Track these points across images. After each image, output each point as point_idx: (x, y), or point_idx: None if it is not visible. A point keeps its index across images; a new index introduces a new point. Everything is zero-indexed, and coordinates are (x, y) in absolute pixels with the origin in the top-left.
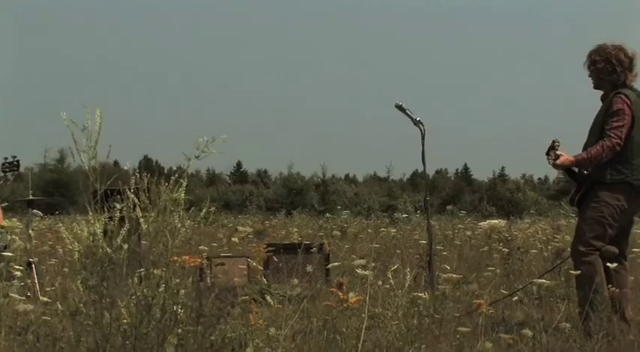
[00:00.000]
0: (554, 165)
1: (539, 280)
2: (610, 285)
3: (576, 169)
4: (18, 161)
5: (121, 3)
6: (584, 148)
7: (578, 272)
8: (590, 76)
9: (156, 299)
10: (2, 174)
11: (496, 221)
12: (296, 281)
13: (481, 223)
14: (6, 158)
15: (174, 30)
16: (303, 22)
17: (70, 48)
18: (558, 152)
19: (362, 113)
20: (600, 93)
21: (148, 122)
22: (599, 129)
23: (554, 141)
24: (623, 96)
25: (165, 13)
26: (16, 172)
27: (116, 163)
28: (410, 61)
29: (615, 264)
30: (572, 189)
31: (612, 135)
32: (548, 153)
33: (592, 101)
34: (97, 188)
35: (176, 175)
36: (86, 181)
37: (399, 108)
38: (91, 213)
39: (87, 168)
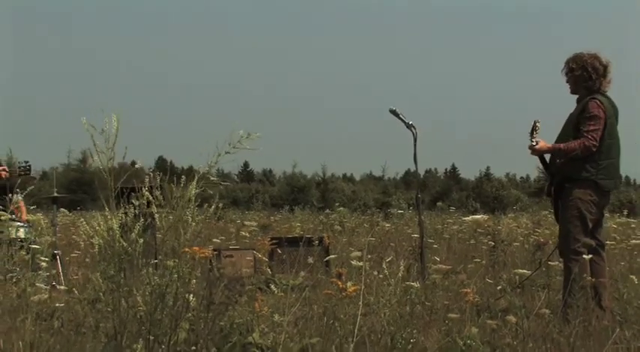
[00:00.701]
0: (533, 150)
1: (520, 270)
2: (585, 275)
3: (548, 161)
4: (30, 166)
5: (135, 6)
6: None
7: (578, 265)
8: (567, 82)
9: (169, 288)
10: (15, 174)
11: (479, 216)
12: (302, 274)
13: (465, 218)
14: (20, 163)
15: (184, 35)
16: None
17: (93, 51)
18: (538, 139)
19: (360, 117)
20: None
21: (162, 124)
22: (572, 129)
23: (535, 122)
24: (598, 102)
25: (170, 15)
26: (29, 174)
27: (133, 163)
28: (404, 66)
29: (592, 256)
30: (547, 183)
31: (590, 137)
32: (531, 134)
33: (572, 104)
34: (113, 186)
35: (204, 172)
36: (103, 180)
37: (393, 113)
38: (108, 210)
39: (104, 168)
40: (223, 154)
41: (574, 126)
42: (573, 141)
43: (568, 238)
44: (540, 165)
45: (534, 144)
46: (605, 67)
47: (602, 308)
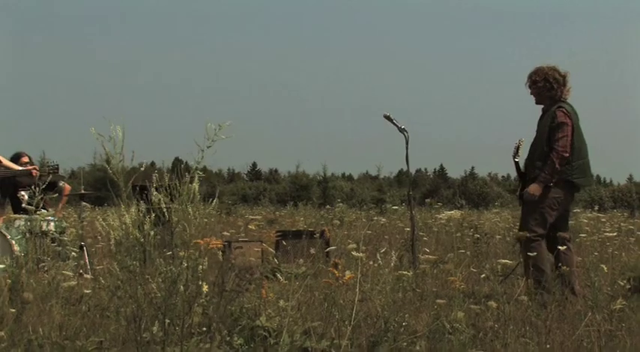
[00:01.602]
0: (531, 195)
1: (503, 260)
2: (560, 264)
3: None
4: (57, 166)
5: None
6: (532, 152)
7: (534, 254)
8: (532, 94)
9: (180, 276)
10: (45, 173)
11: (453, 212)
12: (301, 261)
13: (440, 215)
14: (49, 163)
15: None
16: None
17: (115, 60)
18: (532, 188)
19: (357, 121)
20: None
21: (177, 126)
22: (545, 138)
23: (519, 141)
24: (564, 110)
25: (173, 16)
26: (57, 173)
27: (153, 163)
28: (399, 71)
29: (564, 247)
30: (519, 186)
31: (560, 148)
32: (516, 152)
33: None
34: (124, 186)
35: (194, 169)
36: (118, 180)
37: (387, 118)
38: (123, 207)
39: (116, 170)
40: (206, 149)
41: (546, 136)
42: (549, 162)
43: (526, 228)
44: (516, 174)
45: (517, 160)
46: (564, 77)
47: (575, 294)
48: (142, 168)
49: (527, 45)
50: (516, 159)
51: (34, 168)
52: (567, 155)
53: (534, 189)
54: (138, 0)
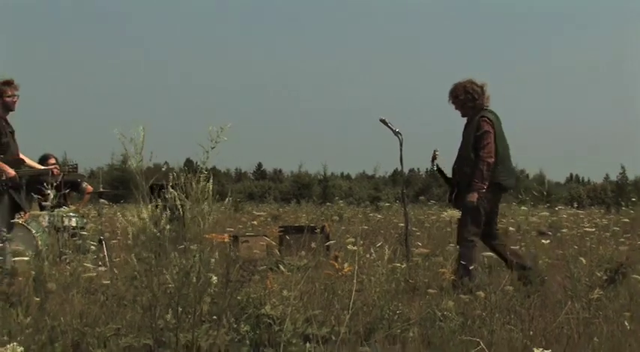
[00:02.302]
0: (474, 201)
1: (488, 253)
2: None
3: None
4: (76, 165)
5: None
6: (459, 158)
7: (468, 252)
8: (456, 109)
9: (193, 268)
10: (65, 172)
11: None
12: (303, 254)
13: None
14: (68, 163)
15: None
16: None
17: (136, 67)
18: (470, 197)
19: (355, 124)
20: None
21: (186, 128)
22: (471, 145)
23: (434, 151)
24: (486, 119)
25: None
26: (76, 172)
27: (166, 163)
28: (396, 74)
29: (496, 241)
30: (448, 191)
31: (485, 155)
32: (432, 161)
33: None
34: (144, 184)
35: (202, 168)
36: (136, 179)
37: (383, 122)
38: (142, 204)
39: (136, 169)
40: (210, 151)
41: (472, 144)
42: (478, 171)
43: (464, 228)
44: (442, 179)
45: (435, 168)
46: (482, 87)
47: (529, 268)
48: (164, 169)
49: (519, 46)
50: (434, 168)
51: (55, 168)
52: (492, 160)
53: (472, 197)
54: (137, 2)
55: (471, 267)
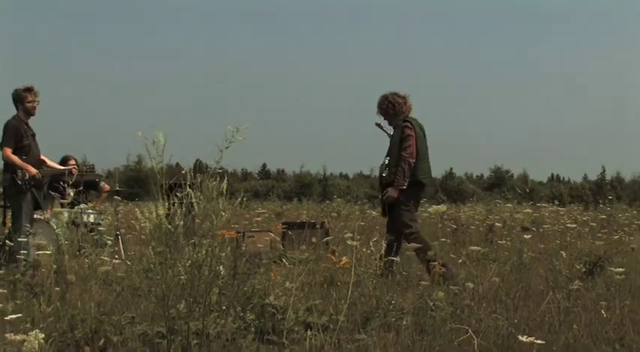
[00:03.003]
0: (390, 198)
1: (475, 247)
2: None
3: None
4: (93, 166)
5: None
6: (388, 161)
7: (420, 244)
8: (385, 119)
9: (204, 261)
10: (82, 172)
11: (439, 206)
12: (304, 248)
13: (429, 209)
14: (86, 163)
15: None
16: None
17: (152, 73)
18: (391, 191)
19: (354, 126)
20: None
21: (194, 130)
22: (396, 149)
23: (377, 124)
24: (408, 124)
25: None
26: (93, 172)
27: (177, 164)
28: (393, 79)
29: (392, 237)
30: (380, 193)
31: (406, 155)
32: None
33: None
34: (163, 183)
35: (214, 168)
36: (155, 178)
37: (378, 125)
38: (160, 201)
39: (156, 169)
40: (224, 150)
41: (397, 148)
42: (400, 169)
43: (404, 225)
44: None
45: (384, 198)
46: (404, 98)
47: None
48: (184, 171)
49: (509, 47)
50: (383, 175)
51: (74, 168)
52: (413, 160)
53: (392, 191)
54: (141, 4)
55: (429, 251)
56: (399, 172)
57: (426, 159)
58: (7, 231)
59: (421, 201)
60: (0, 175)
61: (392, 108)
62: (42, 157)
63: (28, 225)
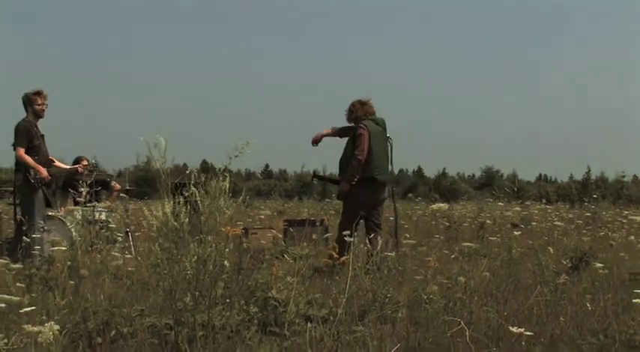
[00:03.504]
0: (345, 188)
1: (468, 243)
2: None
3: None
4: (96, 164)
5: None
6: (342, 160)
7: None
8: (349, 123)
9: (209, 257)
10: (88, 171)
11: (442, 204)
12: (305, 244)
13: (432, 206)
14: (90, 161)
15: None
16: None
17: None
18: (341, 186)
19: None
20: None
21: (207, 133)
22: (350, 149)
23: (314, 171)
24: (362, 125)
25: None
26: (97, 169)
27: (185, 165)
28: (390, 83)
29: (372, 234)
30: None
31: (357, 153)
32: (314, 174)
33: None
34: (167, 182)
35: (222, 171)
36: (160, 178)
37: None
38: (166, 200)
39: (161, 169)
40: (234, 158)
41: (352, 148)
42: (352, 165)
43: (344, 219)
44: (328, 183)
45: (316, 180)
46: (364, 103)
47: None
48: (188, 171)
49: (499, 50)
50: (315, 180)
51: (80, 166)
52: (362, 158)
53: (342, 186)
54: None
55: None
56: (350, 168)
57: (381, 157)
58: (21, 226)
59: (383, 197)
60: (13, 174)
61: (351, 113)
62: (50, 157)
63: (42, 222)
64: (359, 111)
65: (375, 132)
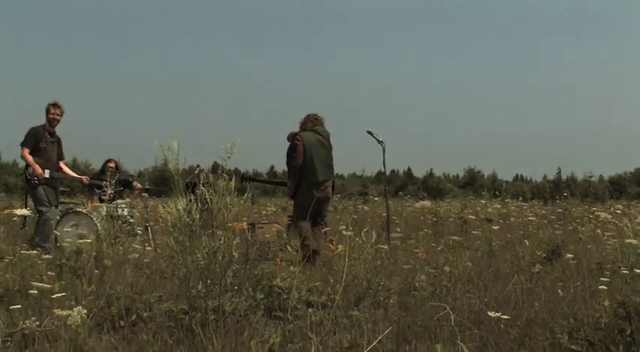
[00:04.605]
0: (289, 193)
1: (453, 237)
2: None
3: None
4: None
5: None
6: (288, 164)
7: (302, 233)
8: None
9: (219, 249)
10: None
11: (425, 202)
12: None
13: (416, 204)
14: (117, 162)
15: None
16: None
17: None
18: (288, 190)
19: (349, 133)
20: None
21: (218, 136)
22: (289, 156)
23: (369, 131)
24: (298, 137)
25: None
26: (125, 172)
27: (197, 166)
28: (384, 92)
29: (315, 227)
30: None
31: (295, 161)
32: (244, 181)
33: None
34: (181, 182)
35: (229, 171)
36: (174, 178)
37: (369, 133)
38: (179, 198)
39: (175, 171)
40: (227, 159)
41: (290, 154)
42: (290, 171)
43: (295, 216)
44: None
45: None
46: (311, 117)
47: (317, 255)
48: (197, 171)
49: (488, 55)
50: (249, 177)
51: (85, 178)
52: (297, 164)
53: (288, 191)
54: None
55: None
56: (290, 174)
57: (317, 161)
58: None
59: (324, 196)
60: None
61: (302, 124)
62: (61, 163)
63: (44, 208)
64: (306, 123)
65: (311, 141)
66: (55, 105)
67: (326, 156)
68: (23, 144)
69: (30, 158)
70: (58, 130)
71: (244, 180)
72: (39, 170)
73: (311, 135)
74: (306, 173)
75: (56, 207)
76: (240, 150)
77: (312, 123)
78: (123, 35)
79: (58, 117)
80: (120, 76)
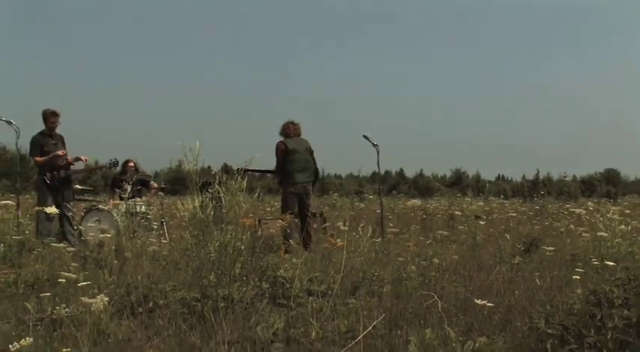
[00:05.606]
0: (278, 185)
1: (440, 231)
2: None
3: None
4: (117, 161)
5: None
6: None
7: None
8: (280, 136)
9: (229, 242)
10: (107, 168)
11: (415, 200)
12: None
13: (407, 203)
14: (111, 159)
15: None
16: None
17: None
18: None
19: (347, 136)
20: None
21: (226, 139)
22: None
23: (364, 136)
24: (281, 143)
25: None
26: (117, 165)
27: (209, 167)
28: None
29: (303, 219)
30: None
31: (275, 166)
32: (366, 136)
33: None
34: (198, 181)
35: (237, 174)
36: (192, 178)
37: (365, 137)
38: (195, 196)
39: (192, 170)
40: (244, 167)
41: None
42: (275, 172)
43: (282, 209)
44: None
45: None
46: (289, 125)
47: (309, 243)
48: (213, 172)
49: (480, 58)
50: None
51: (84, 158)
52: (278, 167)
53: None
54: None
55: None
56: (275, 175)
57: (296, 164)
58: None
59: (305, 192)
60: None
61: (281, 131)
62: (68, 160)
63: (47, 213)
64: (285, 130)
65: (294, 146)
66: (54, 113)
67: (307, 161)
68: (32, 155)
69: (43, 159)
70: (59, 130)
71: (247, 172)
72: (60, 152)
73: (291, 143)
74: (287, 173)
75: (68, 202)
76: (246, 151)
77: (292, 131)
78: (131, 35)
79: (57, 124)
80: (131, 78)
